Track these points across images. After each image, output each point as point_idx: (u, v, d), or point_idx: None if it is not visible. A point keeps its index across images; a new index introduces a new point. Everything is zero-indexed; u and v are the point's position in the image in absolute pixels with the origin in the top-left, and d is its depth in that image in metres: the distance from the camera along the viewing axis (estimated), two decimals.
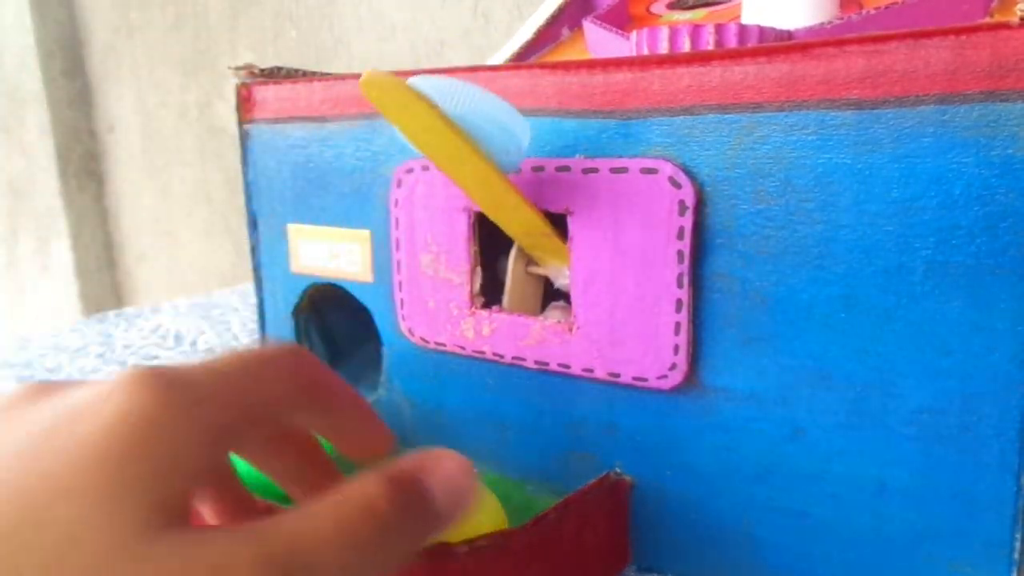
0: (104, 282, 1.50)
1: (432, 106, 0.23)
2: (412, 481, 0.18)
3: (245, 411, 0.18)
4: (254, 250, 0.40)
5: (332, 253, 0.36)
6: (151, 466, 0.16)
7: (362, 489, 0.17)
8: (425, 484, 0.18)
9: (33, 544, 0.15)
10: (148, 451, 0.16)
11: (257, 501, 0.24)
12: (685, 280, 0.26)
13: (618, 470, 0.29)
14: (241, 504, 0.23)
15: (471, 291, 0.31)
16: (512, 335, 0.30)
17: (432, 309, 0.32)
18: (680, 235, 0.25)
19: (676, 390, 0.27)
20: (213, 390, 0.18)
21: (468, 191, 0.28)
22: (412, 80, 0.24)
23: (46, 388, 0.18)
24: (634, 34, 0.31)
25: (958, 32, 0.21)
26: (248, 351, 0.19)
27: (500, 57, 0.42)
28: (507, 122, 0.25)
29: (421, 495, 0.18)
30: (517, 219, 0.28)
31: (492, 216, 0.29)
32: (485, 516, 0.26)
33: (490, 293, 0.32)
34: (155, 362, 0.55)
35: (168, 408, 0.16)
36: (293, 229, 0.37)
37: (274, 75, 0.38)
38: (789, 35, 0.30)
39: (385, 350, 0.35)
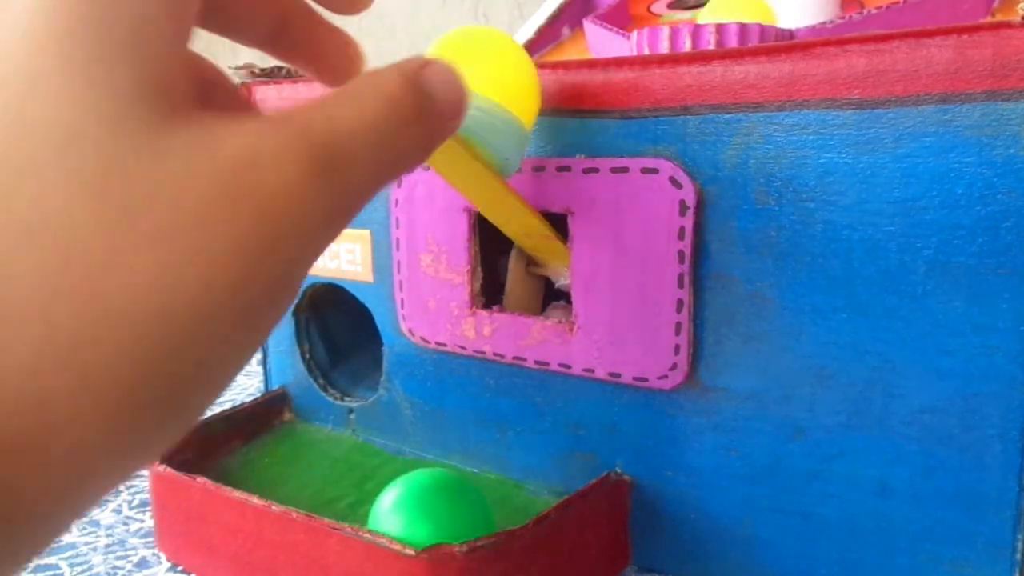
0: None
1: None
2: (420, 75, 0.17)
3: None
4: None
5: (332, 253, 0.36)
6: (124, 29, 0.12)
7: (384, 82, 0.16)
8: (428, 79, 0.17)
9: (20, 152, 0.12)
10: (110, 10, 0.12)
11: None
12: (686, 280, 0.26)
13: (618, 470, 0.29)
14: (232, 97, 0.19)
15: (471, 291, 0.31)
16: (513, 335, 0.30)
17: (432, 309, 0.32)
18: (681, 235, 0.25)
19: (677, 390, 0.27)
20: None
21: (468, 196, 0.28)
22: None
23: None
24: (635, 34, 0.31)
25: (960, 31, 0.20)
26: None
27: None
28: (505, 127, 0.25)
29: (428, 89, 0.17)
30: (517, 222, 0.28)
31: (492, 219, 0.29)
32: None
33: (490, 293, 0.32)
34: None
35: None
36: None
37: (274, 75, 0.38)
38: (790, 34, 0.30)
39: (385, 350, 0.35)
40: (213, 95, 0.18)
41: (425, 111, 0.16)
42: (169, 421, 0.12)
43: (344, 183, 0.14)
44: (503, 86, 0.25)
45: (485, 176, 0.25)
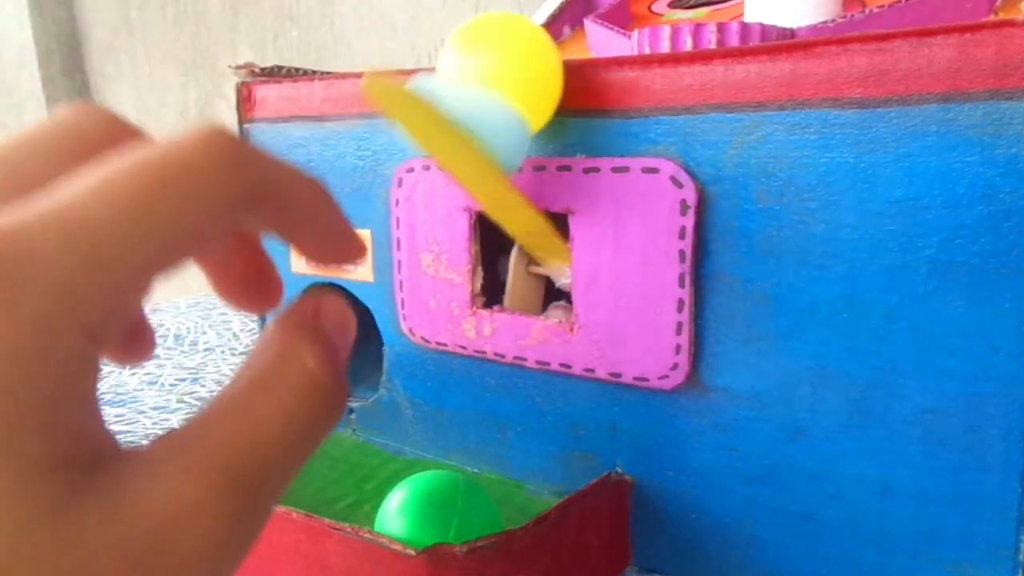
0: None
1: (433, 107, 0.23)
2: (324, 333, 0.16)
3: (148, 261, 0.13)
4: None
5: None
6: (28, 403, 0.11)
7: (299, 362, 0.15)
8: (329, 334, 0.16)
9: None
10: (10, 385, 0.11)
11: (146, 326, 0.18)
12: (687, 280, 0.25)
13: (619, 470, 0.29)
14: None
15: (472, 291, 0.31)
16: (513, 335, 0.30)
17: (433, 309, 0.32)
18: (682, 235, 0.25)
19: (677, 390, 0.27)
20: (78, 259, 0.12)
21: (470, 191, 0.28)
22: (413, 81, 0.24)
23: None
24: (635, 33, 0.31)
25: (962, 30, 0.20)
26: (148, 154, 0.13)
27: None
28: (508, 122, 0.25)
29: (335, 350, 0.16)
30: (519, 219, 0.28)
31: (493, 216, 0.28)
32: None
33: (491, 293, 0.32)
34: (156, 363, 0.55)
35: (12, 306, 0.11)
36: None
37: (274, 74, 0.38)
38: (791, 34, 0.30)
39: (386, 350, 0.35)
40: (129, 331, 0.17)
41: (337, 370, 0.15)
42: None
43: (265, 502, 0.14)
44: (517, 78, 0.25)
45: (488, 172, 0.25)
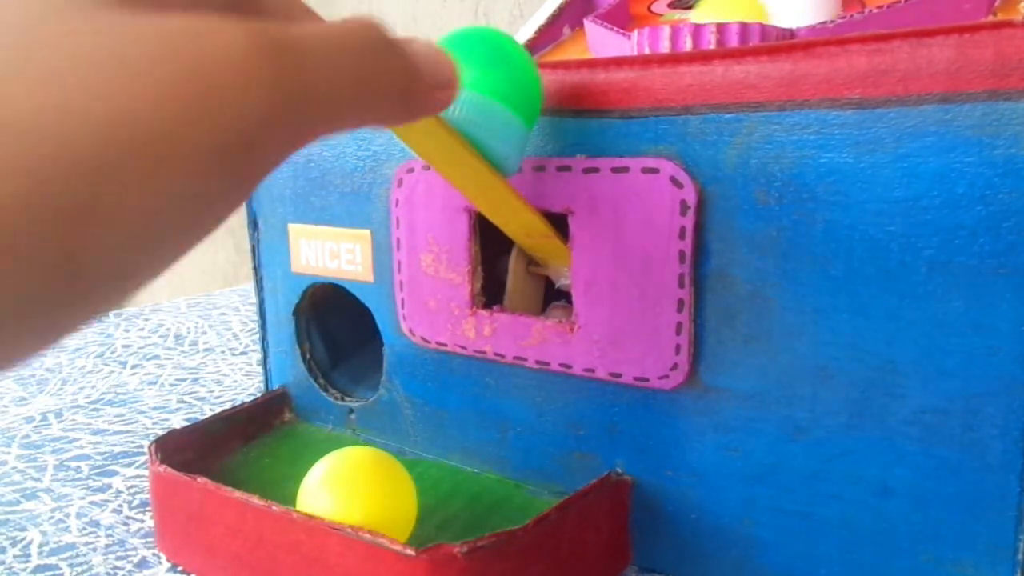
0: None
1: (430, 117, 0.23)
2: (398, 39, 0.17)
3: None
4: (254, 250, 0.39)
5: (333, 253, 0.36)
6: None
7: (352, 22, 0.16)
8: (407, 45, 0.17)
9: None
10: None
11: None
12: (686, 280, 0.26)
13: (619, 470, 0.29)
14: None
15: (472, 291, 0.31)
16: (513, 335, 0.30)
17: (433, 309, 0.32)
18: (681, 235, 0.25)
19: (677, 390, 0.27)
20: None
21: (468, 195, 0.28)
22: None
23: None
24: (635, 33, 0.31)
25: (961, 31, 0.20)
26: None
27: None
28: (506, 126, 0.25)
29: (406, 50, 0.17)
30: (517, 221, 0.28)
31: (493, 219, 0.29)
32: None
33: (491, 293, 0.32)
34: (156, 363, 0.55)
35: None
36: (294, 229, 0.37)
37: None
38: (791, 34, 0.30)
39: (386, 350, 0.35)
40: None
41: (397, 54, 0.16)
42: (62, 266, 0.11)
43: (300, 77, 0.14)
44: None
45: (485, 175, 0.25)
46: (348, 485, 0.27)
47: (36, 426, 0.44)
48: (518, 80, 0.25)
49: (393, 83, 0.16)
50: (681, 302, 0.26)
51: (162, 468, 0.30)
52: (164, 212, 0.12)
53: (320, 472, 0.27)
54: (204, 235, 0.14)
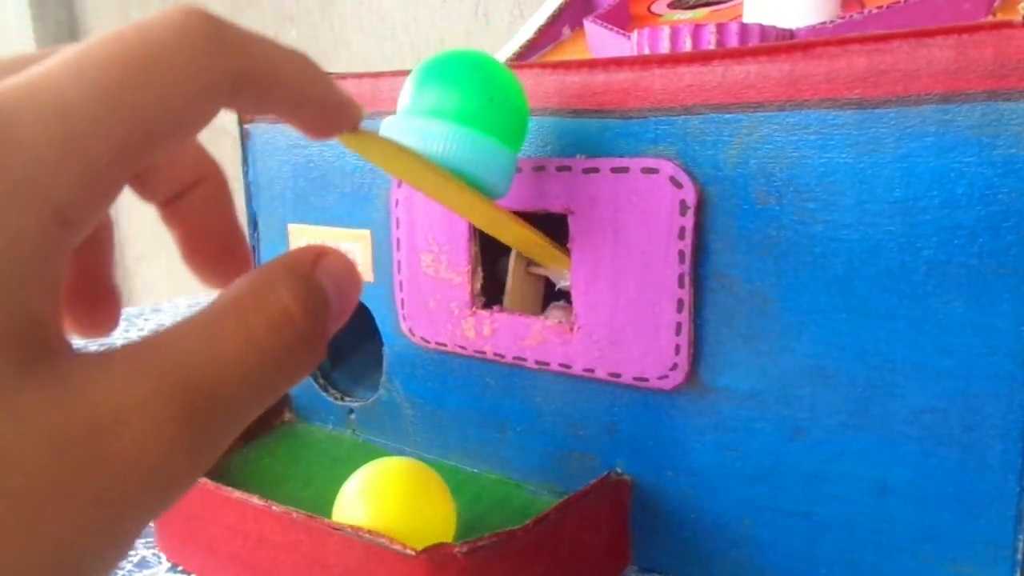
0: None
1: (412, 153, 0.23)
2: (314, 279, 0.15)
3: (123, 145, 0.12)
4: (254, 250, 0.39)
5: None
6: None
7: (274, 296, 0.14)
8: (321, 282, 0.15)
9: None
10: None
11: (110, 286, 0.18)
12: (686, 280, 0.26)
13: (619, 470, 0.29)
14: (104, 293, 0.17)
15: (472, 291, 0.31)
16: (513, 335, 0.30)
17: (433, 309, 0.32)
18: (681, 235, 0.25)
19: (677, 390, 0.27)
20: (59, 128, 0.12)
21: (460, 215, 0.28)
22: (390, 126, 0.24)
23: None
24: (635, 33, 0.31)
25: (961, 31, 0.20)
26: (122, 36, 0.13)
27: (501, 56, 0.42)
28: (493, 157, 0.25)
29: (323, 297, 0.15)
30: (511, 235, 0.28)
31: (488, 232, 0.29)
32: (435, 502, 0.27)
33: (491, 293, 0.32)
34: None
35: None
36: (294, 229, 0.37)
37: None
38: (791, 34, 0.30)
39: (386, 350, 0.35)
40: (90, 291, 0.17)
41: (318, 320, 0.15)
42: None
43: (218, 427, 0.13)
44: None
45: (475, 202, 0.25)
46: (383, 497, 0.26)
47: None
48: (504, 104, 0.25)
49: (309, 361, 0.15)
50: (681, 302, 0.26)
51: None
52: None
53: (356, 483, 0.27)
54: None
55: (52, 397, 0.11)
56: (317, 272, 0.15)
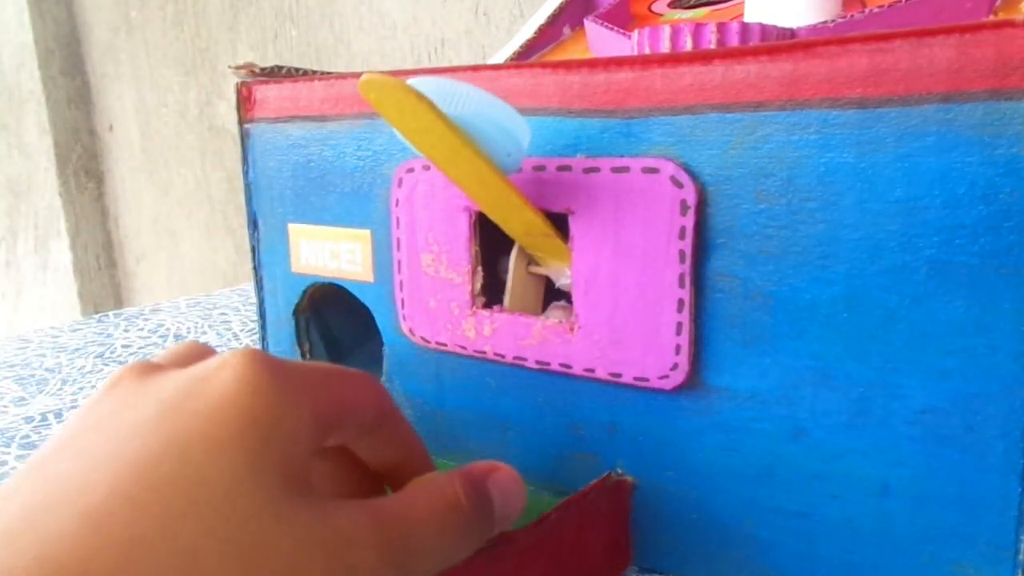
0: (104, 282, 1.50)
1: (431, 107, 0.23)
2: (483, 484, 0.21)
3: (339, 411, 0.20)
4: (254, 250, 0.39)
5: (333, 253, 0.36)
6: (280, 433, 0.17)
7: (449, 486, 0.20)
8: (489, 489, 0.21)
9: (195, 496, 0.16)
10: (273, 419, 0.17)
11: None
12: (687, 280, 0.25)
13: (619, 470, 0.29)
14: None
15: (472, 291, 0.31)
16: (513, 335, 0.30)
17: (433, 309, 0.32)
18: (682, 235, 0.25)
19: (678, 390, 0.27)
20: (315, 383, 0.19)
21: (468, 192, 0.28)
22: (411, 81, 0.24)
23: (152, 367, 0.20)
24: (635, 33, 0.31)
25: (962, 31, 0.20)
26: (333, 367, 0.21)
27: (501, 56, 0.42)
28: (506, 122, 0.25)
29: (488, 498, 0.21)
30: (518, 219, 0.28)
31: (492, 216, 0.29)
32: None
33: (491, 293, 0.32)
34: None
35: (280, 385, 0.18)
36: (294, 229, 0.37)
37: (274, 74, 0.38)
38: (791, 34, 0.30)
39: (386, 350, 0.35)
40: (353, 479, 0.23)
41: (484, 514, 0.21)
42: None
43: (412, 568, 0.18)
44: None
45: (486, 172, 0.25)
46: None
47: (36, 426, 0.44)
48: None
49: (478, 540, 0.21)
50: (681, 302, 0.26)
51: None
52: None
53: None
54: None
55: (314, 515, 0.17)
56: (488, 481, 0.21)
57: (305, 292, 0.38)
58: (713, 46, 0.29)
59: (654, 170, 0.26)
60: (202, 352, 0.22)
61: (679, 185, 0.25)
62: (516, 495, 0.22)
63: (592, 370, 0.28)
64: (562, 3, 0.44)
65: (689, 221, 0.25)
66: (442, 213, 0.31)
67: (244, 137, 0.38)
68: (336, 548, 0.17)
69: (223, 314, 0.68)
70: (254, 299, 0.41)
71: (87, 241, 1.47)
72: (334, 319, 0.40)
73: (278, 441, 0.17)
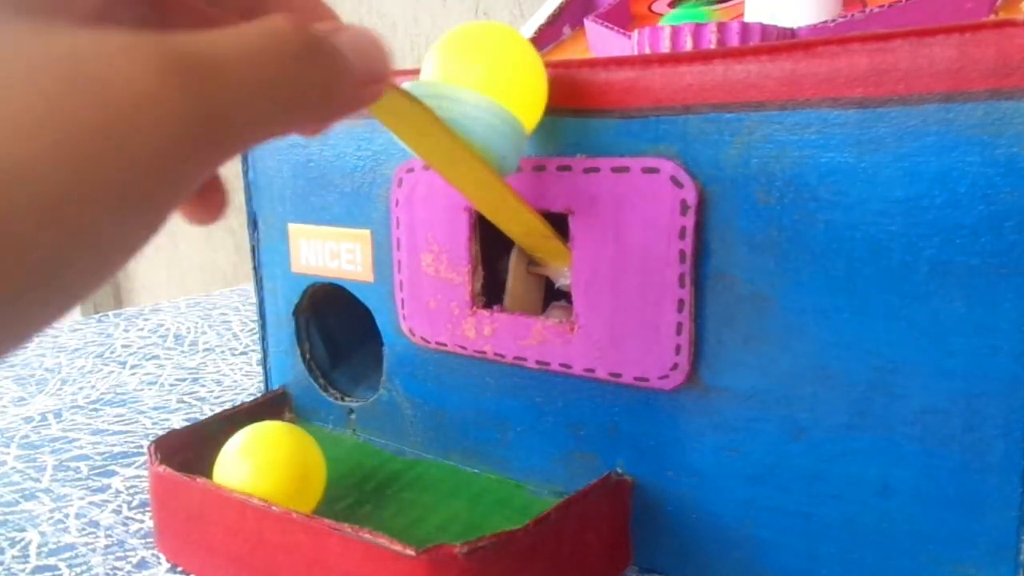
0: None
1: (427, 111, 0.23)
2: (320, 31, 0.16)
3: None
4: (254, 250, 0.39)
5: (333, 253, 0.36)
6: None
7: (272, 20, 0.15)
8: (333, 39, 0.16)
9: None
10: None
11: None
12: (687, 280, 0.25)
13: (619, 470, 0.29)
14: None
15: (472, 291, 0.31)
16: (513, 335, 0.30)
17: (433, 309, 0.32)
18: (682, 235, 0.25)
19: (678, 390, 0.27)
20: None
21: (467, 195, 0.28)
22: (406, 84, 0.24)
23: None
24: (636, 33, 0.31)
25: (962, 30, 0.20)
26: None
27: None
28: (502, 126, 0.25)
29: (331, 46, 0.16)
30: (517, 222, 0.28)
31: (492, 219, 0.29)
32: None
33: (491, 293, 0.32)
34: (156, 363, 0.55)
35: None
36: (294, 229, 0.37)
37: None
38: (792, 33, 0.30)
39: (386, 350, 0.35)
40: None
41: (321, 53, 0.16)
42: None
43: (216, 98, 0.13)
44: (505, 83, 0.25)
45: (484, 175, 0.25)
46: (261, 455, 0.29)
47: (35, 426, 0.44)
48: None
49: (314, 89, 0.16)
50: (681, 302, 0.26)
51: (162, 468, 0.30)
52: (74, 250, 0.12)
53: (236, 442, 0.30)
54: (132, 254, 0.13)
55: (54, 37, 0.12)
56: (332, 31, 0.16)
57: (305, 292, 0.38)
58: (713, 46, 0.29)
59: (654, 170, 0.26)
60: None
61: (679, 185, 0.25)
62: (373, 49, 0.17)
63: (592, 370, 0.28)
64: (562, 3, 0.44)
65: (689, 221, 0.25)
66: (442, 213, 0.31)
67: None
68: (78, 60, 0.12)
69: (223, 314, 0.68)
70: (254, 299, 0.41)
71: None
72: (334, 319, 0.40)
73: None
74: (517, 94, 0.25)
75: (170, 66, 0.13)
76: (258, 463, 0.29)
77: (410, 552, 0.23)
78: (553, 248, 0.29)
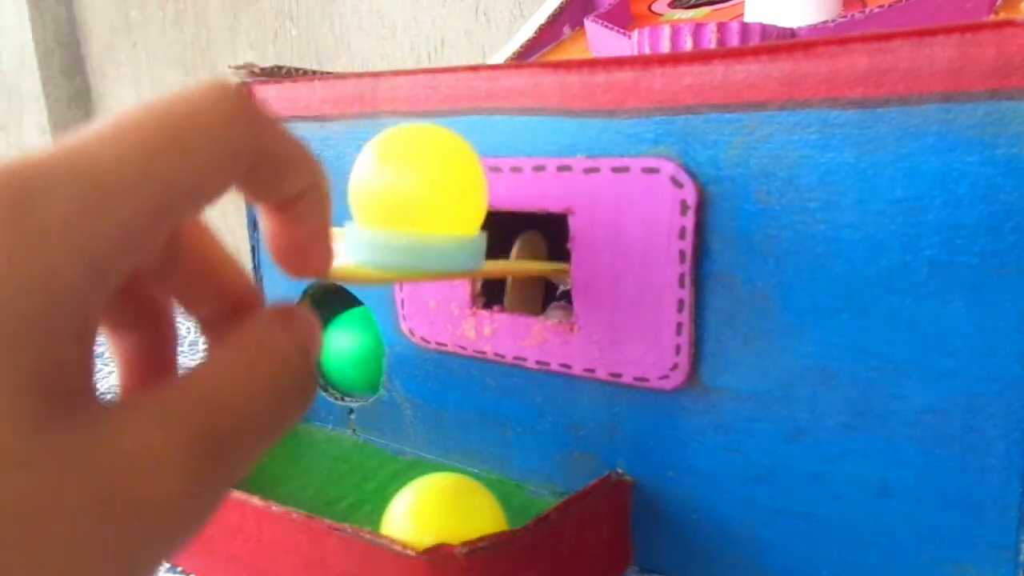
0: None
1: (390, 272, 0.23)
2: (302, 335, 0.17)
3: (124, 244, 0.13)
4: (254, 250, 0.39)
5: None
6: (12, 328, 0.11)
7: (273, 342, 0.16)
8: (305, 337, 0.17)
9: None
10: (12, 304, 0.11)
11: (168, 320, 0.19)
12: (687, 280, 0.25)
13: (620, 470, 0.29)
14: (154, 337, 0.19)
15: (472, 291, 0.31)
16: (513, 335, 0.30)
17: (433, 309, 0.32)
18: (682, 235, 0.25)
19: (678, 390, 0.27)
20: (89, 192, 0.12)
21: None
22: (346, 235, 0.23)
23: None
24: (636, 33, 0.31)
25: (963, 30, 0.20)
26: (156, 109, 0.13)
27: (501, 56, 0.42)
28: (455, 251, 0.23)
29: (309, 348, 0.17)
30: (512, 275, 0.28)
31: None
32: (484, 518, 0.26)
33: (491, 293, 0.32)
34: None
35: (19, 234, 0.11)
36: None
37: (274, 74, 0.38)
38: (792, 33, 0.30)
39: (386, 350, 0.35)
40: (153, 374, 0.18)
41: (311, 368, 0.16)
42: None
43: (230, 464, 0.14)
44: (445, 188, 0.23)
45: (460, 275, 0.25)
46: (430, 516, 0.26)
47: None
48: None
49: (304, 405, 0.17)
50: (681, 302, 0.26)
51: None
52: None
53: (403, 503, 0.26)
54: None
55: (82, 445, 0.12)
56: (292, 323, 0.17)
57: (306, 292, 0.38)
58: (713, 46, 0.29)
59: (654, 170, 0.26)
60: None
61: (679, 185, 0.25)
62: (317, 333, 0.18)
63: (592, 370, 0.28)
64: (562, 3, 0.44)
65: (689, 221, 0.25)
66: None
67: None
68: (113, 481, 0.12)
69: None
70: None
71: None
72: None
73: (23, 335, 0.11)
74: (457, 198, 0.23)
75: (199, 464, 0.13)
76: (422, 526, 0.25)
77: (410, 552, 0.23)
78: (548, 272, 0.29)
